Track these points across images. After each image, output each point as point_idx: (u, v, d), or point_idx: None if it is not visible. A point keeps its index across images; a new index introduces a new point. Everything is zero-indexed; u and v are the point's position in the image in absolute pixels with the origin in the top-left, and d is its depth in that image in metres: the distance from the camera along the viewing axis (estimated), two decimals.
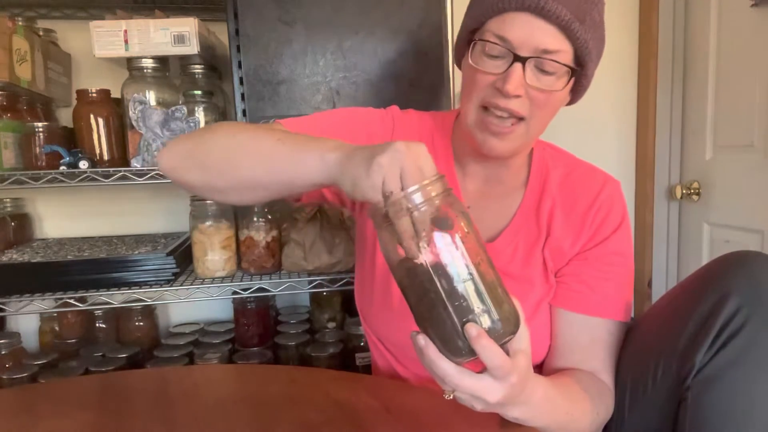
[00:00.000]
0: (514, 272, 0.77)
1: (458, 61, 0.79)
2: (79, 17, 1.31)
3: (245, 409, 0.67)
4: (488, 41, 0.68)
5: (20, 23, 1.15)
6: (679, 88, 1.59)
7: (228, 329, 1.38)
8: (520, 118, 0.69)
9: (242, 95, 1.06)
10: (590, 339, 0.75)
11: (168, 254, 1.12)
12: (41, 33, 1.25)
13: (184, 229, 1.39)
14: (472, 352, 0.51)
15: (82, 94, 1.15)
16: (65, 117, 1.34)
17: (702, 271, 0.67)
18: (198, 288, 1.14)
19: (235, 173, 0.63)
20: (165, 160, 0.66)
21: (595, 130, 1.63)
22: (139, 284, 1.11)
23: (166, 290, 1.12)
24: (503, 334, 0.52)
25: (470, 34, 0.72)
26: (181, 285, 1.13)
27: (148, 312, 1.37)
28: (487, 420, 0.62)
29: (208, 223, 1.16)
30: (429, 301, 0.51)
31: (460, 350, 0.51)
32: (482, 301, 0.51)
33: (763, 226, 1.32)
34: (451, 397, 0.54)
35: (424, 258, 0.51)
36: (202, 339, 1.35)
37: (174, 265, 1.12)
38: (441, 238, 0.51)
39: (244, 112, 1.06)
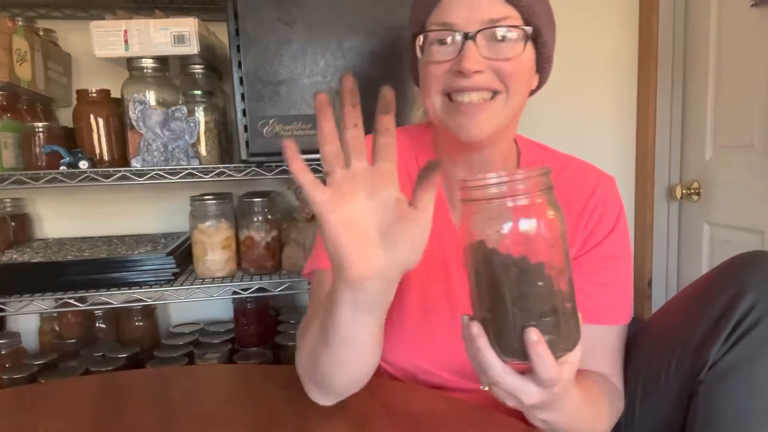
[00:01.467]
0: None
1: (414, 76, 0.76)
2: (79, 17, 1.31)
3: (245, 409, 0.67)
4: (432, 30, 0.67)
5: (20, 23, 1.15)
6: (679, 88, 1.59)
7: (228, 329, 1.38)
8: (495, 92, 0.67)
9: (242, 95, 1.06)
10: (598, 347, 0.72)
11: (168, 254, 1.12)
12: (41, 33, 1.25)
13: (184, 229, 1.39)
14: (524, 356, 0.48)
15: (82, 94, 1.15)
16: (65, 117, 1.34)
17: (717, 269, 0.67)
18: (198, 288, 1.14)
19: (335, 380, 0.61)
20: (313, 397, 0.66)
21: (595, 129, 1.63)
22: (139, 284, 1.11)
23: (166, 290, 1.12)
24: (561, 348, 0.49)
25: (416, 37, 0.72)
26: (181, 285, 1.13)
27: (148, 312, 1.37)
28: (487, 420, 0.62)
29: (208, 223, 1.16)
30: (497, 294, 0.48)
31: (513, 351, 0.49)
32: (552, 310, 0.48)
33: (763, 226, 1.32)
34: (487, 389, 0.53)
35: (509, 250, 0.47)
36: (202, 339, 1.35)
37: (174, 265, 1.12)
38: (531, 234, 0.47)
39: (244, 112, 1.06)
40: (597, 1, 1.58)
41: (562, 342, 0.49)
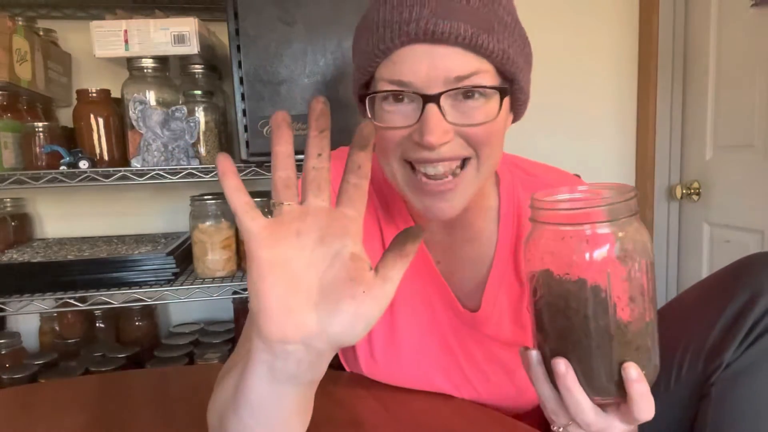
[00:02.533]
0: (505, 338, 0.68)
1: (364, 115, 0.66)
2: (79, 17, 1.31)
3: None
4: (383, 91, 0.55)
5: (20, 23, 1.15)
6: (679, 88, 1.59)
7: (228, 329, 1.38)
8: (465, 159, 0.57)
9: (242, 95, 1.06)
10: None
11: (168, 254, 1.12)
12: (41, 33, 1.25)
13: (184, 229, 1.39)
14: (618, 394, 0.44)
15: (82, 94, 1.15)
16: (65, 117, 1.34)
17: (729, 270, 0.65)
18: (198, 288, 1.14)
19: None
20: None
21: (596, 130, 1.63)
22: (139, 284, 1.11)
23: (166, 290, 1.12)
24: (651, 381, 0.46)
25: (363, 89, 0.60)
26: (181, 285, 1.13)
27: (148, 312, 1.37)
28: (487, 421, 0.62)
29: (208, 223, 1.16)
30: (584, 330, 0.44)
31: (605, 389, 0.45)
32: (644, 343, 0.45)
33: (763, 226, 1.32)
34: (560, 430, 0.48)
35: (600, 281, 0.43)
36: (202, 339, 1.35)
37: (174, 265, 1.12)
38: (625, 263, 0.43)
39: (244, 112, 1.06)
40: (597, 1, 1.58)
41: (651, 374, 0.46)
